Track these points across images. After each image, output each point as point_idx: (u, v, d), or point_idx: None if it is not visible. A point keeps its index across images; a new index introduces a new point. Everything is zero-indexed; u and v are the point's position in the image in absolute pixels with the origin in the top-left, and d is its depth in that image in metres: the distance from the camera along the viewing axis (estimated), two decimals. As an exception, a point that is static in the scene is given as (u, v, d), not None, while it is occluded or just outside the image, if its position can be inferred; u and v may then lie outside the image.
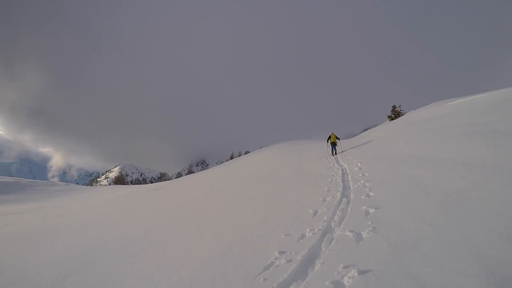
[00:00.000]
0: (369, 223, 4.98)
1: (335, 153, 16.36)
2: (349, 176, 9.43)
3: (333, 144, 16.77)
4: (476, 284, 2.80)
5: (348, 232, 4.79)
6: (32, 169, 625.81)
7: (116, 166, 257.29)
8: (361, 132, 37.44)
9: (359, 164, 10.78)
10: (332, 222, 5.56)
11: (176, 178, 60.75)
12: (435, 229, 4.16)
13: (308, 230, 5.37)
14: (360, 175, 8.98)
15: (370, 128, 34.28)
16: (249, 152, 51.50)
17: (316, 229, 5.30)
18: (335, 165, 12.42)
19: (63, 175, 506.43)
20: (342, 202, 6.65)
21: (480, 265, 3.08)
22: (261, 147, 51.39)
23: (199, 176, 25.82)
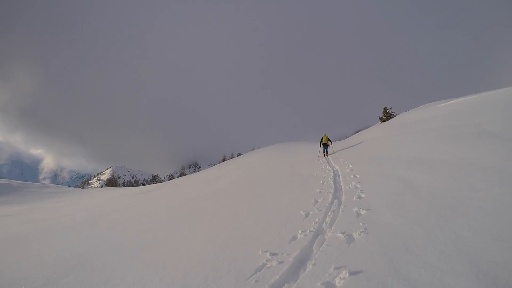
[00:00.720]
0: (361, 224, 4.98)
1: (327, 154, 16.61)
2: (341, 177, 9.44)
3: (325, 146, 17.03)
4: (467, 284, 2.80)
5: (339, 233, 4.78)
6: (24, 171, 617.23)
7: (108, 168, 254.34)
8: (353, 134, 37.69)
9: (350, 166, 10.82)
10: (324, 223, 5.55)
11: (168, 180, 60.44)
12: (426, 229, 4.17)
13: (300, 231, 5.35)
14: (352, 176, 9.00)
15: (362, 130, 34.54)
16: (241, 154, 51.45)
17: (308, 231, 5.28)
18: (327, 166, 12.44)
19: (55, 177, 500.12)
20: (334, 204, 6.65)
21: (470, 265, 3.08)
22: (253, 149, 51.40)
23: (191, 178, 25.69)
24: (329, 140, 17.55)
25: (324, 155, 16.56)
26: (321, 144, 17.33)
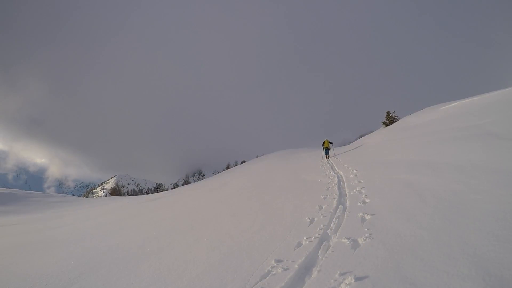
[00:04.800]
0: (366, 229, 4.98)
1: (328, 157, 17.75)
2: (345, 183, 9.43)
3: (327, 149, 18.38)
4: (473, 287, 2.79)
5: (344, 239, 4.77)
6: (28, 180, 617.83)
7: (112, 177, 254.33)
8: (356, 139, 37.61)
9: (354, 171, 10.80)
10: (329, 229, 5.54)
11: (172, 188, 60.44)
12: (431, 233, 4.16)
13: (305, 238, 5.34)
14: (356, 182, 8.98)
15: (365, 134, 34.47)
16: (245, 161, 51.40)
17: (313, 237, 5.28)
18: (331, 172, 12.42)
19: (59, 186, 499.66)
20: (338, 210, 6.64)
21: (476, 267, 3.07)
22: (257, 156, 51.35)
23: (195, 186, 25.69)
24: (330, 143, 18.98)
25: (327, 158, 17.64)
26: (323, 148, 18.68)
